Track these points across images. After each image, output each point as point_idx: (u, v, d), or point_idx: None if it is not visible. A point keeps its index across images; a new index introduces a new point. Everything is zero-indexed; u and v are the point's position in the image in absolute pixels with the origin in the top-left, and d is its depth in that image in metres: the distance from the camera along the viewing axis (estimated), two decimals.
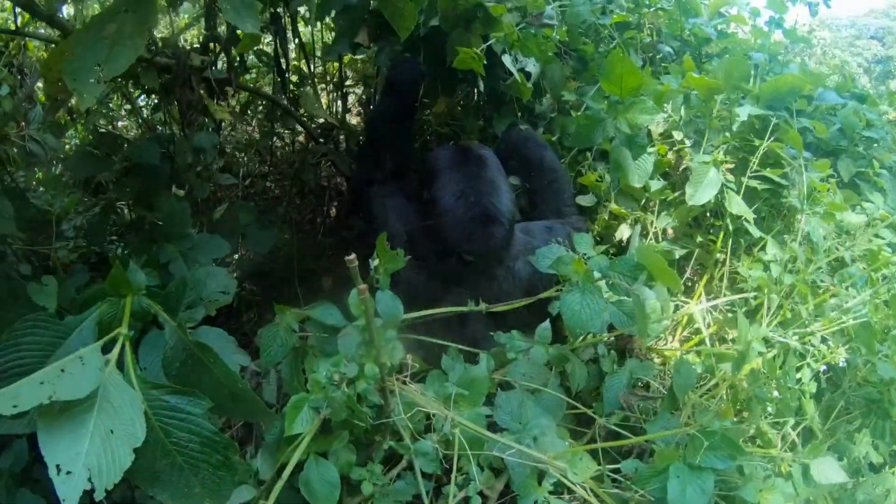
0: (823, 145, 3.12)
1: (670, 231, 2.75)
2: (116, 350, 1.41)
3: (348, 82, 3.66)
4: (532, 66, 2.72)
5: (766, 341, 2.17)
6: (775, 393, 2.12)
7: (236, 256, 3.23)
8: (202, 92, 2.50)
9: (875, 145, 3.23)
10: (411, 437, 1.74)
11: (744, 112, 2.60)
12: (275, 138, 3.54)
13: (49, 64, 1.89)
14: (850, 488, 2.12)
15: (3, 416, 1.20)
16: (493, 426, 1.83)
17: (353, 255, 1.37)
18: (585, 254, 2.01)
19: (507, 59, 2.60)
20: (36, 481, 1.82)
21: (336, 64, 3.41)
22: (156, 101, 2.84)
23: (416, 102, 2.63)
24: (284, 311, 1.85)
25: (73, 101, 2.69)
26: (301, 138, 3.74)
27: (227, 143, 3.80)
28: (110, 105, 3.32)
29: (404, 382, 1.84)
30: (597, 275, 1.92)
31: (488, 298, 2.26)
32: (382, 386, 1.61)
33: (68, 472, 1.21)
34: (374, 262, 1.73)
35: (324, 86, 3.66)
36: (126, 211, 2.72)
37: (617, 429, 2.02)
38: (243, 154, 3.88)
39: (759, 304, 2.45)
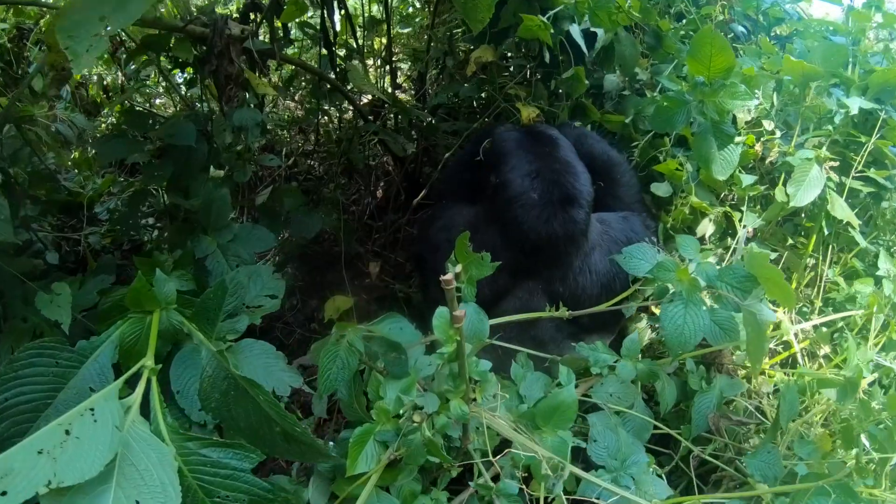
0: None
1: (750, 230, 2.48)
2: (139, 390, 1.17)
3: (397, 57, 3.43)
4: (600, 38, 2.48)
5: (875, 367, 1.93)
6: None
7: (280, 239, 3.02)
8: (242, 65, 2.26)
9: None
10: (489, 467, 1.50)
11: (854, 104, 2.33)
12: (320, 115, 3.29)
13: (52, 28, 1.61)
14: None
15: None
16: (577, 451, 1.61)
17: (450, 275, 1.10)
18: (689, 258, 1.75)
19: (574, 31, 2.36)
20: None
21: (384, 38, 3.16)
22: (192, 75, 2.60)
23: None
24: (345, 328, 1.57)
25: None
26: (348, 115, 3.52)
27: (269, 120, 3.62)
28: (147, 82, 3.12)
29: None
30: (702, 283, 1.67)
31: (562, 293, 2.05)
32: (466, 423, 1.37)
33: None
34: (456, 268, 1.45)
35: (371, 61, 3.42)
36: (161, 195, 2.49)
37: (710, 458, 1.79)
38: (285, 132, 3.68)
39: (853, 320, 2.20)
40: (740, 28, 3.38)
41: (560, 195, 2.02)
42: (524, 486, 1.41)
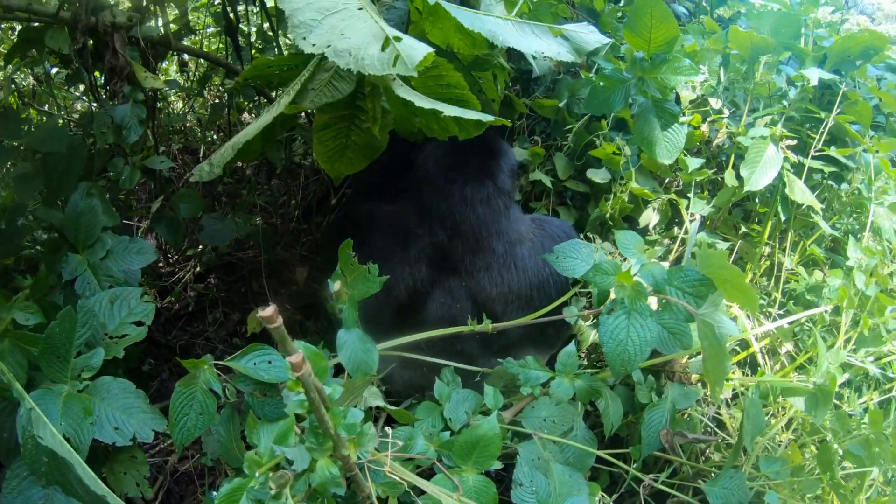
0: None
1: (697, 216, 2.28)
2: None
3: None
4: None
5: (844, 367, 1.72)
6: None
7: (199, 248, 2.88)
8: (126, 57, 2.01)
9: None
10: None
11: (812, 75, 2.14)
12: (234, 112, 3.05)
13: None
14: None
15: None
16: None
17: (271, 310, 0.82)
18: (634, 259, 1.52)
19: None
20: None
21: None
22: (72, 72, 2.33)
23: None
24: (199, 365, 1.30)
25: None
26: None
27: (183, 120, 3.47)
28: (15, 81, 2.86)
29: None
30: (647, 288, 1.43)
31: (487, 292, 1.86)
32: (349, 466, 1.11)
33: None
34: (335, 286, 1.18)
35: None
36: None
37: (664, 487, 1.57)
38: (208, 133, 3.49)
39: (820, 317, 2.01)
40: (681, 8, 3.32)
41: (476, 164, 1.87)
42: None
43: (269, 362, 1.29)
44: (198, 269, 2.85)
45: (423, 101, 1.41)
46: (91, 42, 2.05)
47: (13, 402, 1.24)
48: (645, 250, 1.59)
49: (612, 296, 1.48)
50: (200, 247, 2.87)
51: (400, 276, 1.86)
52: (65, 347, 1.24)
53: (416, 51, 1.24)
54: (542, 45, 1.67)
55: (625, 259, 1.61)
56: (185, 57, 2.92)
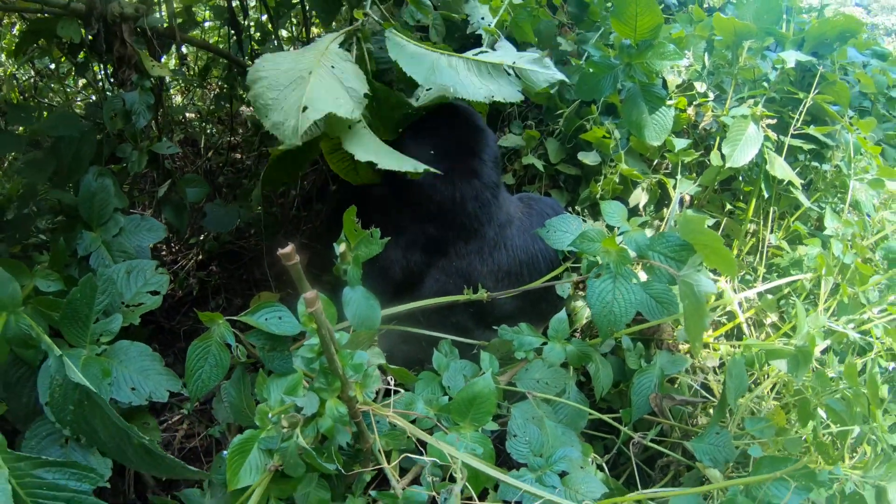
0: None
1: (687, 197, 2.37)
2: None
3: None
4: None
5: (826, 333, 1.80)
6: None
7: (202, 237, 2.95)
8: (134, 46, 2.08)
9: None
10: (398, 471, 1.33)
11: (790, 57, 2.23)
12: (234, 102, 3.12)
13: None
14: None
15: None
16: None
17: (290, 248, 0.93)
18: (617, 227, 1.60)
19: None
20: None
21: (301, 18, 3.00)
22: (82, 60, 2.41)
23: None
24: (215, 319, 1.40)
25: None
26: None
27: (185, 110, 3.52)
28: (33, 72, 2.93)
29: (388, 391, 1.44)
30: (633, 255, 1.52)
31: (479, 270, 1.92)
32: (357, 422, 1.20)
33: None
34: (340, 248, 1.28)
35: (291, 45, 3.26)
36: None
37: (653, 445, 1.65)
38: (208, 124, 3.55)
39: (801, 285, 2.08)
40: None
41: (457, 149, 1.91)
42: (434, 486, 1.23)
43: (280, 318, 1.38)
44: (200, 257, 2.92)
45: (361, 155, 1.61)
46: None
47: (32, 366, 1.32)
48: (630, 220, 1.67)
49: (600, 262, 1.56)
50: (202, 236, 2.94)
51: (396, 259, 1.92)
52: (85, 313, 1.32)
53: (309, 119, 1.46)
54: (492, 89, 1.80)
55: (612, 230, 1.69)
56: (184, 50, 2.99)
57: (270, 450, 1.19)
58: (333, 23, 2.38)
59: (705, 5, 3.55)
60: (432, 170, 1.64)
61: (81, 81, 3.31)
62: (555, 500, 1.20)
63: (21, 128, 2.21)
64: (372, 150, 1.62)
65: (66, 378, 1.13)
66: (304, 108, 1.48)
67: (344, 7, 2.35)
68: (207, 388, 1.34)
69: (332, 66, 1.67)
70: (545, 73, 1.88)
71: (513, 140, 2.54)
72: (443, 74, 1.78)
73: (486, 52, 1.94)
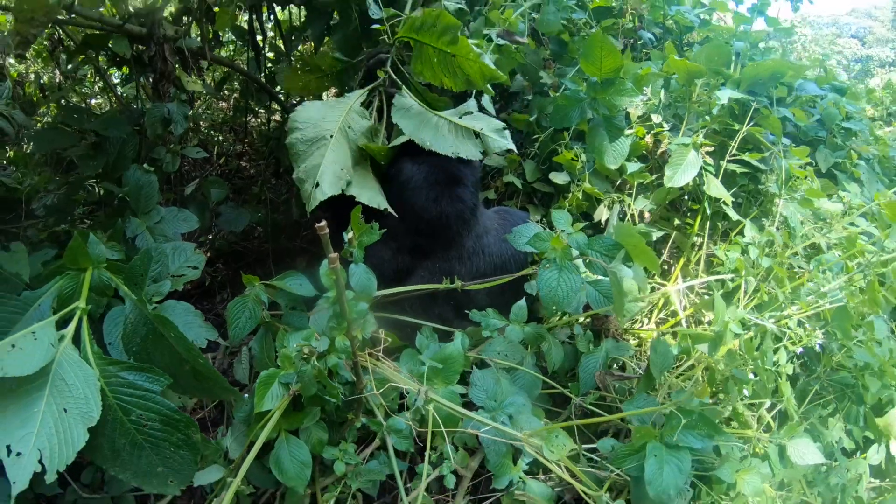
0: (802, 135, 3.14)
1: (647, 214, 2.73)
2: (73, 325, 1.38)
3: None
4: None
5: (743, 323, 2.14)
6: (751, 375, 2.09)
7: (210, 236, 3.23)
8: (174, 63, 2.43)
9: (854, 137, 3.24)
10: (385, 414, 1.71)
11: (724, 95, 2.59)
12: (250, 116, 3.46)
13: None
14: (823, 472, 2.11)
15: None
16: (469, 406, 1.79)
17: (324, 223, 1.33)
18: (563, 230, 1.97)
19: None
20: None
21: (312, 43, 3.34)
22: (127, 73, 2.76)
23: None
24: (253, 281, 1.81)
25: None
26: (277, 117, 3.69)
27: (201, 119, 3.77)
28: (84, 81, 3.23)
29: (378, 358, 1.81)
30: (574, 252, 1.89)
31: (458, 271, 2.23)
32: (354, 361, 1.57)
33: (18, 454, 1.18)
34: (348, 235, 1.67)
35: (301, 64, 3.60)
36: (95, 188, 2.63)
37: (593, 408, 2.00)
38: (219, 133, 3.83)
39: (735, 287, 2.44)
40: (648, 35, 3.64)
41: (446, 177, 2.18)
42: (413, 424, 1.62)
43: (300, 284, 1.82)
44: (209, 254, 3.16)
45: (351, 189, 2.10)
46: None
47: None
48: (573, 224, 2.03)
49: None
50: (211, 235, 3.24)
51: (387, 259, 2.22)
52: (142, 276, 1.64)
53: (316, 199, 1.99)
54: (459, 149, 2.18)
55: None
56: (202, 65, 3.33)
57: (288, 384, 1.58)
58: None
59: (686, 40, 3.88)
60: (391, 210, 2.12)
61: (98, 85, 3.62)
62: (501, 428, 1.58)
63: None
64: (356, 185, 2.10)
65: (137, 317, 1.47)
66: (317, 185, 1.98)
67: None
68: (244, 333, 1.73)
69: (349, 127, 2.15)
70: (501, 141, 2.22)
71: (496, 161, 2.89)
72: (426, 131, 2.18)
73: (471, 112, 2.29)
